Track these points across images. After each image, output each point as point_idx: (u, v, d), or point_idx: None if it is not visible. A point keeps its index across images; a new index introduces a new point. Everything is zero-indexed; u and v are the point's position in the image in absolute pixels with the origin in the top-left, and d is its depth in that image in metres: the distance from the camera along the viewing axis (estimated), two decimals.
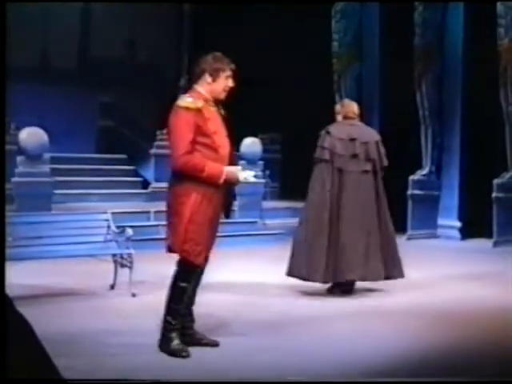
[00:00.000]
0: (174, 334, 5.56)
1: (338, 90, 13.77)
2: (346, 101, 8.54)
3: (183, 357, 5.48)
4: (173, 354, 5.51)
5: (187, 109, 5.39)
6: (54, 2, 14.76)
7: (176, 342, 5.55)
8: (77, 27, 16.10)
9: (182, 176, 5.41)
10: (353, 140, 7.95)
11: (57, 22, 15.32)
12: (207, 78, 5.50)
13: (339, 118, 8.13)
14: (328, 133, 7.96)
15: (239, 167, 5.87)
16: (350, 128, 8.04)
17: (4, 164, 5.87)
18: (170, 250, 5.59)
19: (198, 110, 5.40)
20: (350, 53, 13.77)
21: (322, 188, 7.87)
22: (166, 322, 5.59)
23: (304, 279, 7.95)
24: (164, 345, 5.58)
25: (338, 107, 8.30)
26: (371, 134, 8.29)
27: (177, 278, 5.56)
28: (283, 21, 14.52)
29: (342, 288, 8.00)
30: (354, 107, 8.21)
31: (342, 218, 7.85)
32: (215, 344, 5.81)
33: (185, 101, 5.44)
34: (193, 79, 5.67)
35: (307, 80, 13.32)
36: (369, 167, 8.00)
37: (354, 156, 7.93)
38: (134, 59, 16.85)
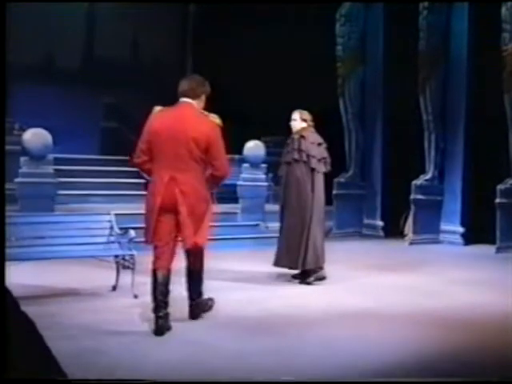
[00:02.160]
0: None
1: (341, 94, 13.78)
2: (303, 111, 9.06)
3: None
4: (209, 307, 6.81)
5: (220, 126, 6.45)
6: (55, 2, 14.73)
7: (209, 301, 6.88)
8: (81, 28, 16.13)
9: (204, 183, 6.33)
10: (320, 145, 8.89)
11: (61, 23, 15.34)
12: (203, 98, 6.50)
13: (303, 124, 8.92)
14: (303, 137, 8.80)
15: None
16: (314, 134, 8.95)
17: (4, 164, 5.88)
18: (193, 245, 6.32)
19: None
20: (354, 57, 13.77)
21: (304, 186, 8.73)
22: (199, 294, 6.70)
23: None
24: (201, 308, 6.74)
25: (302, 115, 8.97)
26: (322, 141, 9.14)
27: (201, 263, 6.61)
28: (287, 23, 14.53)
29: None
30: (311, 117, 9.06)
31: (313, 214, 8.73)
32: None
33: (217, 119, 6.52)
34: (188, 94, 6.42)
35: (311, 83, 13.31)
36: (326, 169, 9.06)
37: (323, 158, 8.88)
38: (138, 60, 16.87)
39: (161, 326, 6.17)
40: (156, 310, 6.24)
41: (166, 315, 6.23)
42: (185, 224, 6.18)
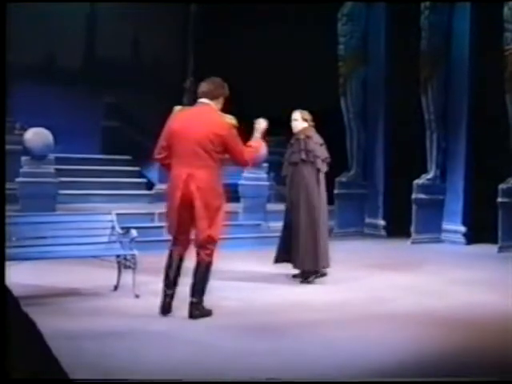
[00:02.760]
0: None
1: (343, 94, 13.76)
2: (304, 110, 9.05)
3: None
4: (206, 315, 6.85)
5: (235, 127, 6.85)
6: (55, 2, 14.69)
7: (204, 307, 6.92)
8: (82, 28, 16.10)
9: (220, 180, 6.83)
10: (321, 145, 8.93)
11: (63, 23, 15.32)
12: (221, 100, 6.91)
13: (305, 124, 8.93)
14: (308, 137, 8.81)
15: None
16: (316, 135, 8.97)
17: (4, 163, 5.91)
18: (206, 238, 6.71)
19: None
20: (355, 56, 13.75)
21: (312, 187, 8.76)
22: (202, 294, 6.81)
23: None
24: (201, 312, 6.82)
25: (304, 115, 8.96)
26: None
27: (211, 260, 6.80)
28: (288, 23, 14.51)
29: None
30: (311, 116, 9.05)
31: (321, 215, 8.80)
32: None
33: (233, 120, 6.88)
34: (207, 95, 6.86)
35: (312, 83, 13.29)
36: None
37: (326, 158, 8.91)
38: (139, 60, 16.84)
39: (166, 304, 6.83)
40: (165, 287, 6.86)
41: (173, 295, 6.83)
42: (199, 217, 6.67)
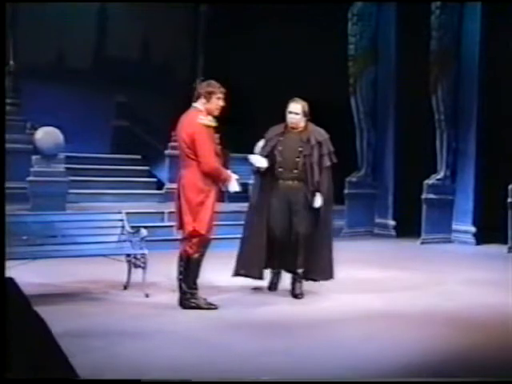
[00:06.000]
0: (198, 295, 7.17)
1: (353, 93, 13.75)
2: (304, 101, 8.05)
3: (214, 308, 7.14)
4: (205, 308, 7.09)
5: (208, 126, 7.03)
6: (55, 2, 14.68)
7: (203, 300, 7.17)
8: (93, 27, 16.14)
9: (203, 177, 6.99)
10: None
11: (73, 23, 15.35)
12: (206, 99, 7.07)
13: (304, 120, 8.01)
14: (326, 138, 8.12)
15: (235, 176, 7.32)
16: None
17: (4, 163, 5.93)
18: (191, 231, 6.99)
19: (213, 127, 7.10)
20: (365, 56, 13.74)
21: None
22: (191, 288, 7.11)
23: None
24: (193, 304, 7.10)
25: (305, 108, 7.99)
26: None
27: (197, 255, 7.07)
28: (299, 23, 14.50)
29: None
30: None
31: None
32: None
33: (206, 119, 7.02)
34: (195, 98, 7.18)
35: (322, 82, 13.28)
36: None
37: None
38: (149, 60, 16.87)
39: (179, 299, 7.18)
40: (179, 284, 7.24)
41: (183, 292, 7.16)
42: (184, 212, 7.04)
